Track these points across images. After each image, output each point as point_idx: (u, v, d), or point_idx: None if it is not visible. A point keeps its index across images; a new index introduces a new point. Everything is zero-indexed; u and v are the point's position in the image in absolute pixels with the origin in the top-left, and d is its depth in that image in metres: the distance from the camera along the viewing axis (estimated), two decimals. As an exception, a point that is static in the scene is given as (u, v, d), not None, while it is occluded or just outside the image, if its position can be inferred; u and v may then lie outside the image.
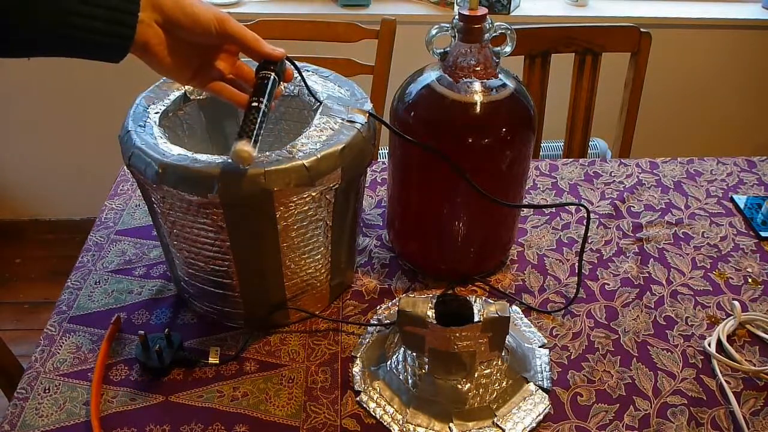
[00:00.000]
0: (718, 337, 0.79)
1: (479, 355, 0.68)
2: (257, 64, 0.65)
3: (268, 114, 0.63)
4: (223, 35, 0.61)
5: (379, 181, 1.06)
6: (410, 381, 0.71)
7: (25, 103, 1.98)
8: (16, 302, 1.95)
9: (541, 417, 0.69)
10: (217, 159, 0.65)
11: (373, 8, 1.90)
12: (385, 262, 0.90)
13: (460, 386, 0.69)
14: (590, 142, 1.63)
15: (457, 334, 0.66)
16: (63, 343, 0.77)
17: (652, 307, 0.84)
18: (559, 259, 0.91)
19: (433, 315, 0.67)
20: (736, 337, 0.80)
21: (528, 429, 0.68)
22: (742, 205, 1.02)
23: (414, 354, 0.71)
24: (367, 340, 0.78)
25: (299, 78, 0.80)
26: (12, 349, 0.97)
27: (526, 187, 0.96)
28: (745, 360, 0.76)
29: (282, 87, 0.67)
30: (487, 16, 0.73)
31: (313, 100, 0.76)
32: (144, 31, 0.56)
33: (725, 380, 0.74)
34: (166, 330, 0.74)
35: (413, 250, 0.88)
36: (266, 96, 0.63)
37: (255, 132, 0.61)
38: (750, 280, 0.89)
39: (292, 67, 0.68)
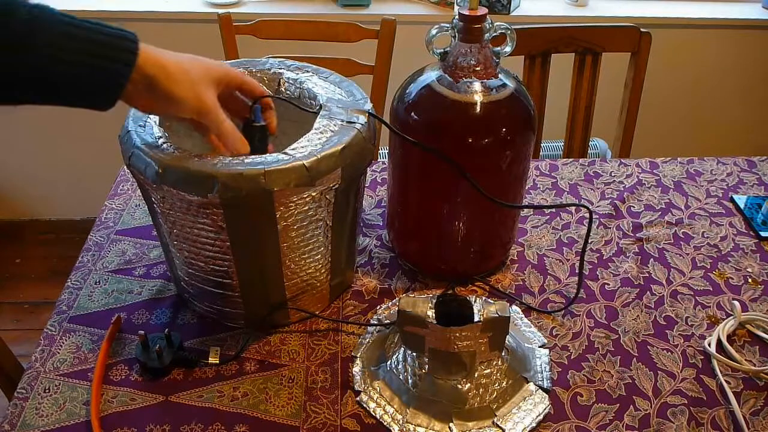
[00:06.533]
0: (718, 337, 0.79)
1: (479, 355, 0.68)
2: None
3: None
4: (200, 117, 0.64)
5: (379, 181, 1.06)
6: (410, 381, 0.71)
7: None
8: (16, 302, 1.95)
9: (541, 417, 0.69)
10: (217, 159, 0.65)
11: (373, 8, 1.90)
12: (385, 262, 0.90)
13: (460, 386, 0.69)
14: (590, 142, 1.63)
15: (457, 334, 0.66)
16: (63, 343, 0.77)
17: (652, 307, 0.84)
18: (559, 259, 0.91)
19: (433, 315, 0.67)
20: (736, 337, 0.80)
21: (528, 429, 0.68)
22: (742, 205, 1.02)
23: (414, 354, 0.71)
24: (367, 340, 0.78)
25: (300, 81, 0.81)
26: (12, 349, 0.97)
27: (526, 187, 0.96)
28: (745, 360, 0.76)
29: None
30: (487, 16, 0.73)
31: (314, 105, 0.77)
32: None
33: (725, 380, 0.74)
34: (166, 330, 0.74)
35: (413, 250, 0.88)
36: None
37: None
38: (750, 280, 0.89)
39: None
